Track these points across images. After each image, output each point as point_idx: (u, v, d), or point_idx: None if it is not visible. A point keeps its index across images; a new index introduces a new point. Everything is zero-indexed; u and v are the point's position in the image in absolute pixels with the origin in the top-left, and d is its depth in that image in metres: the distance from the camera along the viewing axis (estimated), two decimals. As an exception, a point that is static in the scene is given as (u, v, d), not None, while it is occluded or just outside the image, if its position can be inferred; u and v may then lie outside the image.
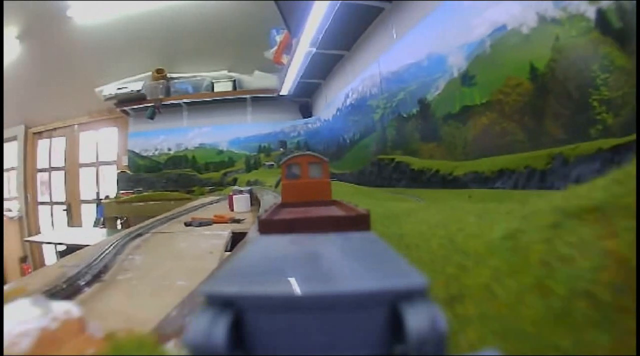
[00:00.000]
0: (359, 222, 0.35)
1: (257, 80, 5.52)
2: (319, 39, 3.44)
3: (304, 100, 5.75)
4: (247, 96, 5.60)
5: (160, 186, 5.32)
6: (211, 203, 2.73)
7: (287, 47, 3.82)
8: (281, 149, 5.45)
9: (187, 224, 1.59)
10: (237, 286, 0.19)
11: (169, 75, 5.55)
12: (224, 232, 1.37)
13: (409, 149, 2.57)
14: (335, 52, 3.97)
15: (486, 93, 1.84)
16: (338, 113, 4.18)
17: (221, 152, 5.65)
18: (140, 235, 1.39)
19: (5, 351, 0.28)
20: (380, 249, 0.26)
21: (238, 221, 1.62)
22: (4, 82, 5.11)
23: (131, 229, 1.49)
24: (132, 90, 5.28)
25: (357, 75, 3.63)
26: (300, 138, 5.59)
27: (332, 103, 4.42)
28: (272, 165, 5.30)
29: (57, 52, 5.21)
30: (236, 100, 5.69)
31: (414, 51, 2.50)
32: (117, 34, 5.04)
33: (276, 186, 3.00)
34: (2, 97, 4.83)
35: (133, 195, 4.66)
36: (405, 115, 2.64)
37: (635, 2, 1.14)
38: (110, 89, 5.36)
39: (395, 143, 2.80)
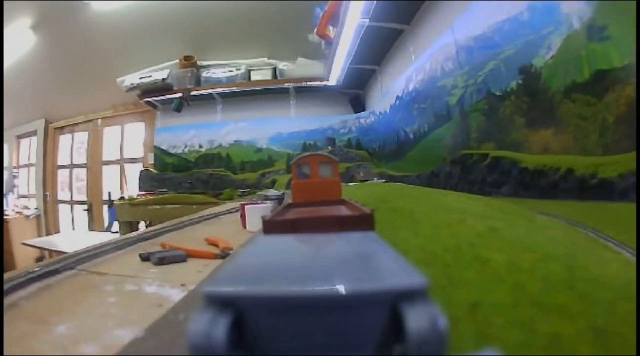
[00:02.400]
0: (362, 222, 0.35)
1: (300, 68, 4.90)
2: (372, 6, 2.78)
3: (354, 93, 5.20)
4: (290, 86, 5.00)
5: (186, 187, 4.83)
6: (230, 212, 2.10)
7: (334, 18, 3.15)
8: (329, 147, 4.80)
9: (143, 257, 0.94)
10: (237, 286, 0.18)
11: (199, 62, 5.04)
12: (181, 291, 0.70)
13: (508, 140, 1.83)
14: (392, 26, 3.30)
15: (629, 49, 1.24)
16: (397, 102, 3.47)
17: (259, 150, 5.08)
18: (55, 272, 0.82)
19: None
20: (381, 249, 0.25)
21: (224, 257, 0.94)
22: (20, 74, 4.94)
23: (45, 262, 0.90)
24: (156, 80, 4.81)
25: (421, 52, 2.96)
26: (351, 136, 4.96)
27: (389, 91, 3.74)
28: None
29: (75, 41, 4.81)
30: (278, 92, 5.13)
31: (507, 3, 1.89)
32: (141, 18, 4.56)
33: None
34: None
35: (149, 197, 4.18)
36: (499, 93, 1.94)
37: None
38: (132, 78, 4.92)
39: (483, 133, 2.05)
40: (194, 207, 3.31)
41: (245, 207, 1.45)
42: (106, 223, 5.16)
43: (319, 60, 4.65)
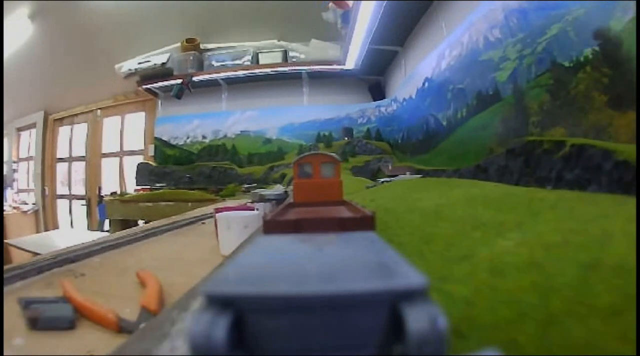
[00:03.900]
0: (364, 223, 0.35)
1: (314, 50, 4.44)
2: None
3: (374, 79, 4.73)
4: (303, 70, 4.54)
5: (186, 182, 4.45)
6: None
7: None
8: (346, 138, 4.38)
9: (22, 306, 0.56)
10: (237, 286, 0.18)
11: (202, 45, 4.63)
12: None
13: (585, 125, 1.40)
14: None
15: None
16: (426, 84, 3.02)
17: (269, 141, 4.65)
18: None
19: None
20: (381, 249, 0.25)
21: (131, 331, 0.54)
22: (19, 65, 4.71)
23: None
24: (155, 64, 4.42)
25: (456, 24, 2.51)
26: (370, 126, 4.48)
27: (415, 73, 3.28)
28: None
29: (74, 28, 4.48)
30: (289, 77, 4.70)
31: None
32: (142, 3, 4.22)
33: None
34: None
35: (141, 193, 3.83)
36: (567, 64, 1.50)
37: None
38: (131, 63, 4.56)
39: (548, 115, 1.61)
40: (190, 204, 2.98)
41: (217, 214, 1.00)
42: (102, 221, 4.85)
43: (334, 42, 4.21)
